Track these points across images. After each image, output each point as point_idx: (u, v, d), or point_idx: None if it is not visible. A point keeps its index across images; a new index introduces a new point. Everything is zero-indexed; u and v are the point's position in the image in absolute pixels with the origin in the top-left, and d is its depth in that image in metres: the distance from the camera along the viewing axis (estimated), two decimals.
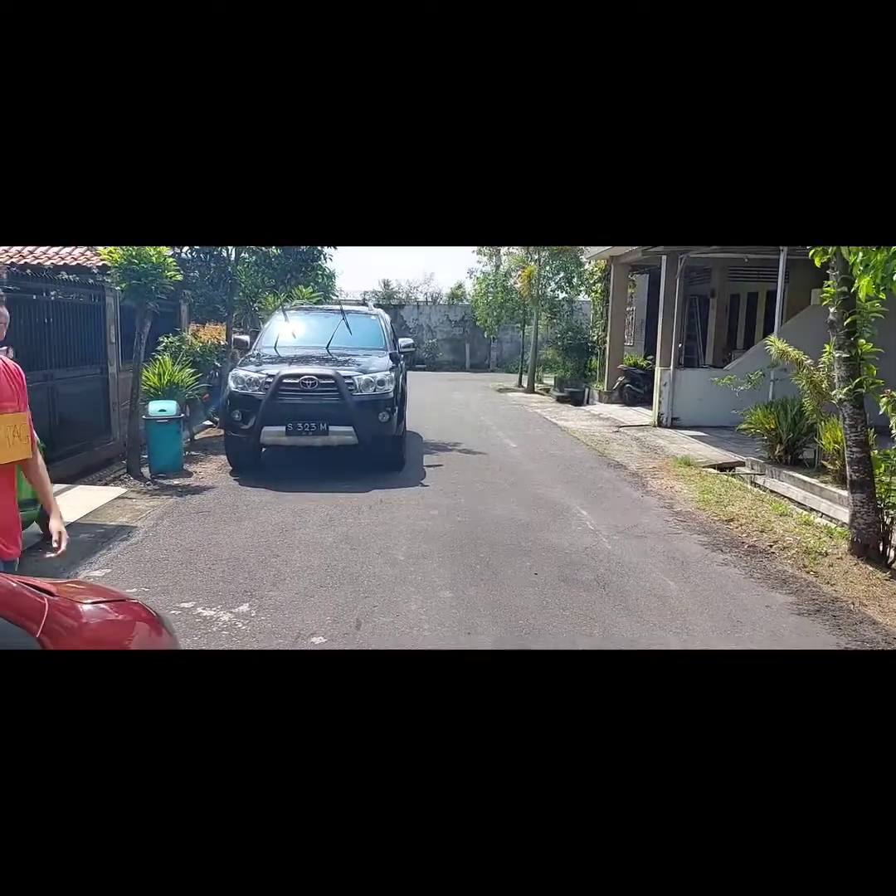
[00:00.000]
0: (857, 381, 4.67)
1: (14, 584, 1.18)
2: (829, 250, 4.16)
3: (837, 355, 4.79)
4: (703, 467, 8.23)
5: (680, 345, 12.35)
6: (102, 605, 1.37)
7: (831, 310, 4.76)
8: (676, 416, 11.31)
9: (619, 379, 14.54)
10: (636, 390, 14.12)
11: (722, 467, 8.35)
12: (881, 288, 3.11)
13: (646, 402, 13.10)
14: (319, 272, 13.46)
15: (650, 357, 14.10)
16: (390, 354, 8.14)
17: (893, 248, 2.92)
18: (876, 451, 4.85)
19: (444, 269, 52.48)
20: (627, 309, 16.13)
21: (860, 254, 3.11)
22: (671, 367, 11.44)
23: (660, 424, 11.36)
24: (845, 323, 4.64)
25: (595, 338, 17.18)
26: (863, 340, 4.72)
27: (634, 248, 12.76)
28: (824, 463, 6.93)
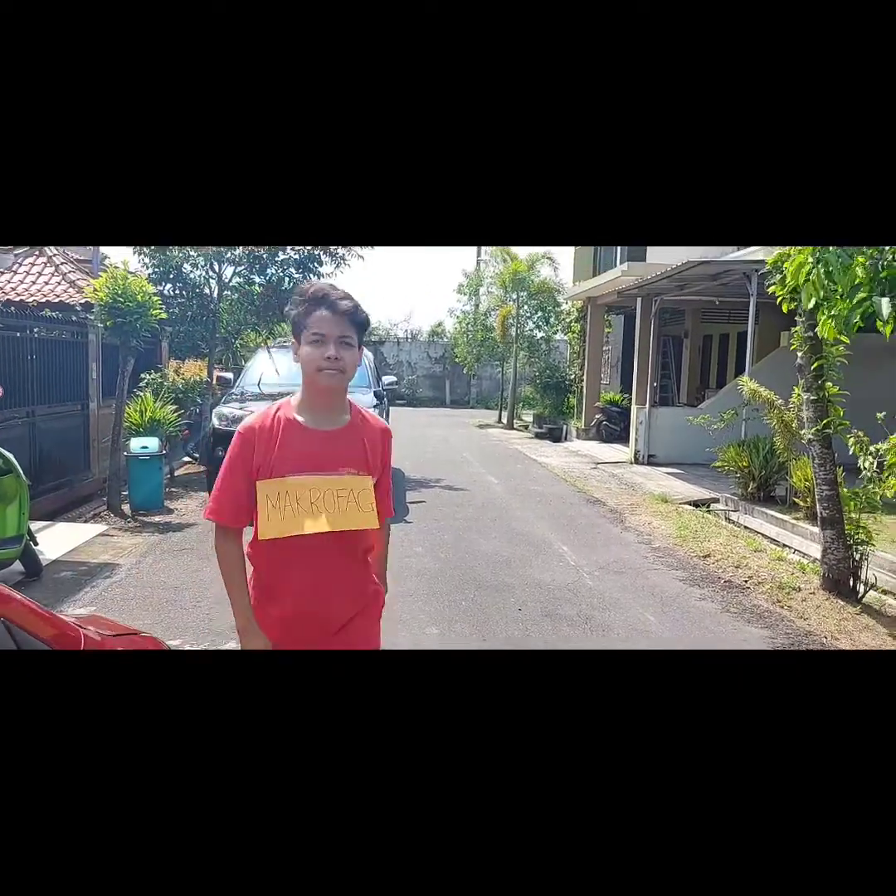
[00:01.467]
0: (825, 422, 4.87)
1: (57, 617, 1.24)
2: (799, 297, 4.37)
3: (806, 397, 5.00)
4: (680, 504, 8.39)
5: (655, 384, 12.63)
6: (123, 638, 1.43)
7: (799, 354, 4.98)
8: (653, 453, 11.51)
9: (597, 416, 14.79)
10: (613, 428, 14.37)
11: (698, 504, 8.52)
12: (843, 332, 3.29)
13: (623, 439, 13.32)
14: None
15: (626, 395, 14.39)
16: (374, 392, 8.26)
17: (857, 297, 3.11)
18: (845, 490, 5.03)
19: (423, 307, 53.13)
20: (604, 348, 16.48)
21: (824, 302, 3.30)
22: (647, 406, 11.68)
23: (637, 461, 11.55)
24: (812, 367, 4.86)
25: (572, 376, 17.49)
26: (829, 384, 4.93)
27: (610, 289, 13.12)
28: (796, 500, 7.11)
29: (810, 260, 2.98)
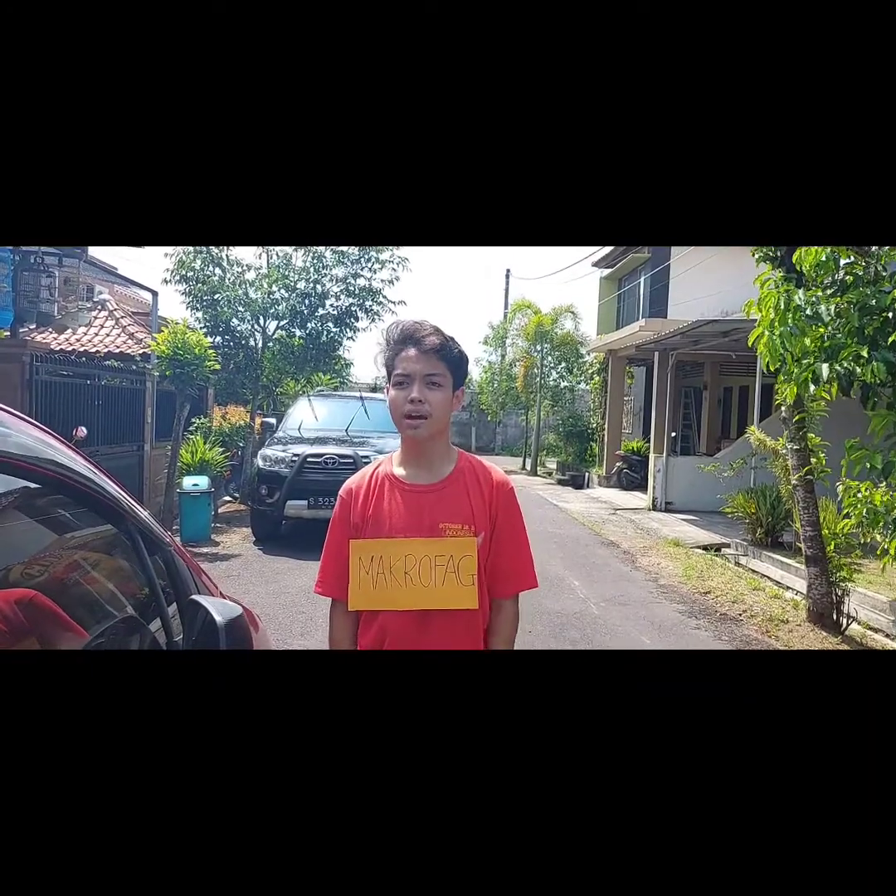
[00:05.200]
0: (806, 469, 5.42)
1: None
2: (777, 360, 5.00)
3: (790, 447, 5.56)
4: (691, 548, 8.84)
5: (674, 433, 13.13)
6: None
7: (782, 408, 5.56)
8: (670, 500, 11.92)
9: (617, 464, 15.30)
10: (633, 475, 14.83)
11: (708, 548, 8.97)
12: (803, 391, 3.90)
13: (642, 486, 13.77)
14: (337, 360, 14.53)
15: (647, 443, 14.92)
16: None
17: (806, 364, 3.72)
18: (826, 531, 5.53)
19: None
20: (625, 398, 17.08)
21: (785, 366, 3.92)
22: (664, 455, 12.18)
23: (654, 508, 11.97)
24: (795, 420, 5.43)
25: (594, 425, 18.07)
26: (811, 435, 5.49)
27: (629, 343, 13.80)
28: (800, 545, 7.55)
29: (765, 332, 3.63)
